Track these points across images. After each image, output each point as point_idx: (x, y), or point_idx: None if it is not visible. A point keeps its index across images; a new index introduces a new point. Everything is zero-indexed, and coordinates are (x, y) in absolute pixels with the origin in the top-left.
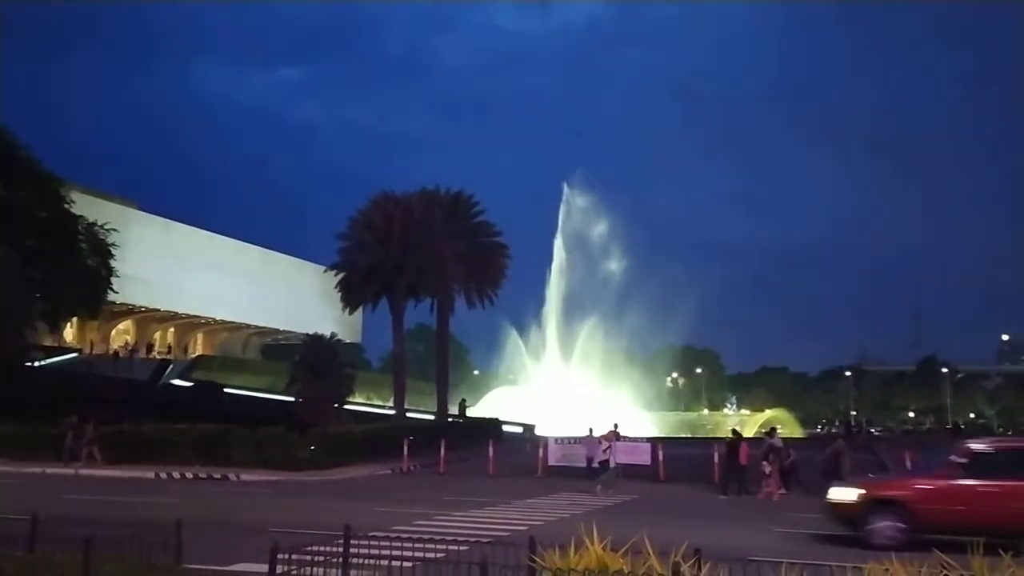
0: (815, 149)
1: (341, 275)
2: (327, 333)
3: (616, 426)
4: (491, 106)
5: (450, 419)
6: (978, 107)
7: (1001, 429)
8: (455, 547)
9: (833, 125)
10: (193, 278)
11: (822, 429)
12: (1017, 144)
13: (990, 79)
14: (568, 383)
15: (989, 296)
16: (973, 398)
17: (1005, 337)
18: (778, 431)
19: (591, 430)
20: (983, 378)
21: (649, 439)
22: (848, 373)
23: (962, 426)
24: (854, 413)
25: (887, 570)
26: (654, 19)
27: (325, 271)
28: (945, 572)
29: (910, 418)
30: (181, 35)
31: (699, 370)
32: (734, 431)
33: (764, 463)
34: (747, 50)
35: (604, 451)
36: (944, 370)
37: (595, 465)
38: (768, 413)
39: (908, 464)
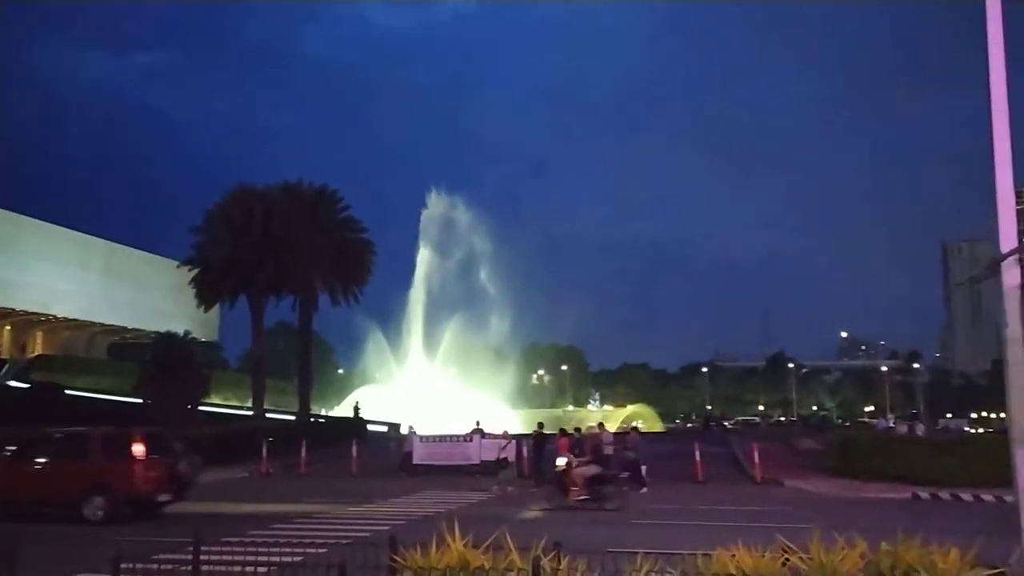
0: (680, 152)
1: (196, 271)
2: (180, 331)
3: (478, 423)
4: (359, 101)
5: (312, 419)
6: (831, 119)
7: (840, 420)
8: (313, 550)
9: (699, 129)
10: (30, 273)
11: (689, 423)
12: (863, 154)
13: (843, 93)
14: (433, 382)
15: (831, 296)
16: (816, 391)
17: (844, 334)
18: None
19: (478, 423)
20: (825, 372)
21: (513, 436)
22: (704, 369)
23: (795, 418)
24: (709, 408)
25: (733, 556)
26: (529, 20)
27: (179, 266)
28: (786, 556)
29: (760, 411)
30: (26, 14)
31: (564, 367)
32: (540, 425)
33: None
34: (621, 54)
35: (503, 448)
36: (791, 365)
37: (476, 462)
38: (630, 409)
39: (756, 456)
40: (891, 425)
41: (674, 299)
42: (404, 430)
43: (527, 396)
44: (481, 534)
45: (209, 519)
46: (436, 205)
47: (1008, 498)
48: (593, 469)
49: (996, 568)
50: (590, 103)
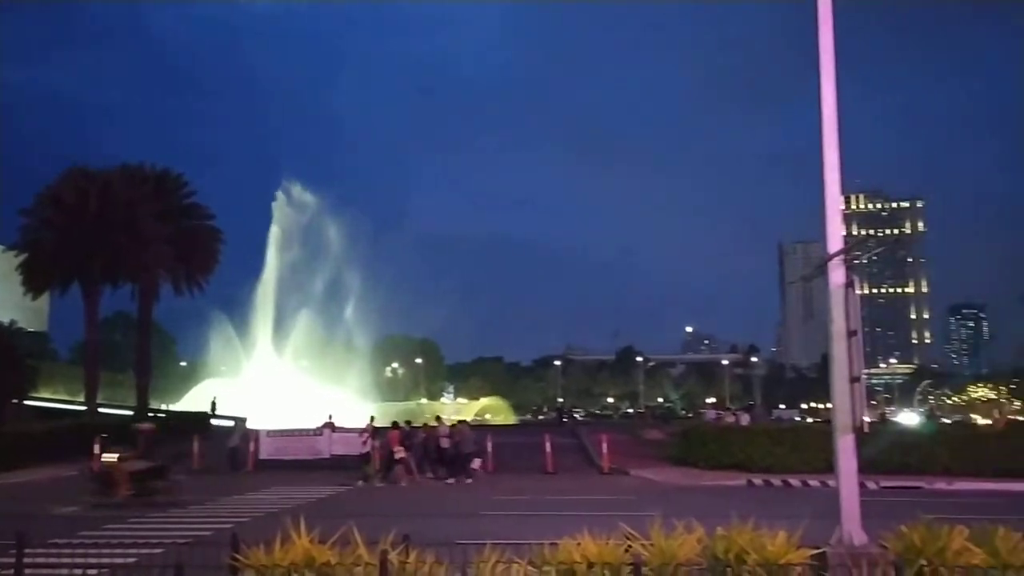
0: (541, 148)
1: (23, 256)
2: (5, 320)
3: (331, 417)
4: (212, 85)
5: (152, 413)
6: (689, 121)
7: (683, 411)
8: (148, 551)
9: (559, 127)
10: None
11: (541, 415)
12: (714, 157)
13: (701, 97)
14: (283, 375)
15: (679, 292)
16: (662, 384)
17: (689, 329)
18: (442, 420)
19: (330, 417)
20: (670, 366)
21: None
22: (558, 362)
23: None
24: (561, 400)
25: (579, 544)
26: (395, 7)
27: (4, 251)
28: (629, 543)
29: (609, 403)
30: None
31: (419, 360)
32: (371, 418)
33: (398, 448)
34: (486, 49)
35: (364, 443)
36: (639, 359)
37: (326, 456)
38: (484, 401)
39: (604, 446)
40: (718, 415)
41: (530, 293)
42: (251, 424)
43: (381, 389)
44: (330, 529)
45: (34, 520)
46: (290, 193)
47: (831, 483)
48: (139, 464)
49: (818, 548)
50: (453, 95)
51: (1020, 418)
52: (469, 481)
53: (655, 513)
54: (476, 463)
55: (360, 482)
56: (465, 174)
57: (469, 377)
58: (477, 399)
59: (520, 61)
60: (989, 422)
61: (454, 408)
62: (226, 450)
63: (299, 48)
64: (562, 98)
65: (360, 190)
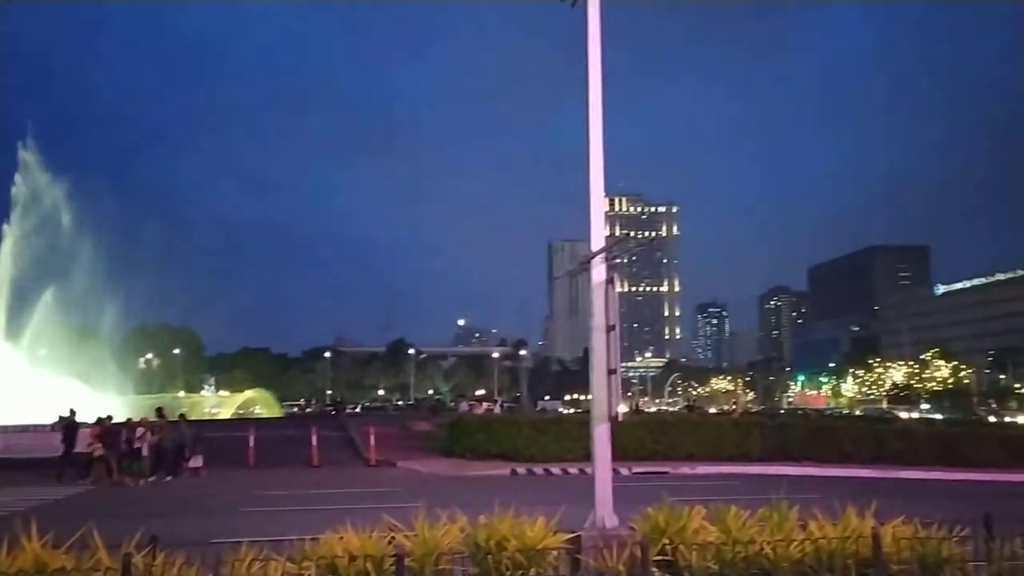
0: (318, 135)
1: None
2: None
3: (73, 412)
4: None
5: None
6: (473, 116)
7: (453, 404)
8: None
9: (339, 113)
10: None
11: (308, 408)
12: (496, 154)
13: (485, 93)
14: (18, 365)
15: (452, 286)
16: (432, 376)
17: (461, 322)
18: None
19: (72, 412)
20: (441, 358)
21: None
22: (327, 354)
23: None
24: (330, 392)
25: (341, 538)
26: None
27: None
28: (393, 535)
29: (380, 395)
30: None
31: (176, 351)
32: (72, 412)
33: (96, 445)
34: (264, 25)
35: (139, 438)
36: (411, 351)
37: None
38: (248, 394)
39: (372, 439)
40: (470, 405)
41: (301, 283)
42: None
43: (134, 381)
44: (68, 533)
45: None
46: (30, 165)
47: (589, 470)
48: None
49: (574, 532)
50: (228, 73)
51: (753, 408)
52: (169, 479)
53: (420, 504)
54: (197, 461)
55: (142, 481)
56: (235, 156)
57: (232, 369)
58: (241, 391)
59: (304, 45)
60: (726, 409)
61: (215, 401)
62: None
63: (58, 17)
64: (345, 87)
65: (113, 164)
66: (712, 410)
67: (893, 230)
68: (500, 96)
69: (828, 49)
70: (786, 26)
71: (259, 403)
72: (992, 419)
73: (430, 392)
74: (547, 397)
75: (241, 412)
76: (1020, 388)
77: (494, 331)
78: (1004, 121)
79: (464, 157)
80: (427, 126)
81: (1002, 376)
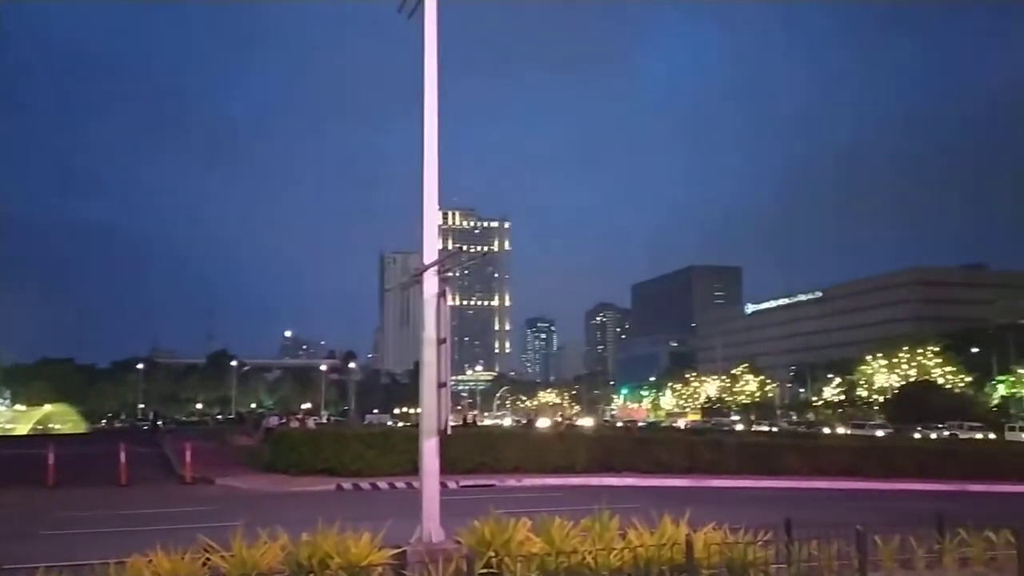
0: (146, 137)
1: None
2: None
3: None
4: None
5: None
6: (301, 124)
7: (278, 416)
8: None
9: (167, 116)
10: None
11: (118, 422)
12: (324, 166)
13: (317, 108)
14: None
15: (280, 297)
16: (256, 389)
17: (288, 333)
18: None
19: None
20: (266, 371)
21: None
22: (141, 366)
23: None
24: (143, 406)
25: (150, 561)
26: None
27: None
28: (208, 556)
29: (198, 409)
30: None
31: None
32: None
33: None
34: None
35: None
36: (233, 363)
37: None
38: (46, 408)
39: (188, 455)
40: (281, 420)
41: (118, 292)
42: None
43: None
44: None
45: None
46: None
47: (416, 484)
48: None
49: (400, 547)
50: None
51: (578, 421)
52: None
53: (238, 523)
54: None
55: None
56: (48, 157)
57: (31, 381)
58: (40, 405)
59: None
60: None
61: (9, 416)
62: None
63: None
64: (174, 90)
65: None
66: (544, 422)
67: (711, 251)
68: (339, 103)
69: (662, 75)
70: (623, 51)
71: (60, 417)
72: (842, 430)
73: (252, 406)
74: (376, 411)
75: (40, 428)
76: (817, 401)
77: (322, 343)
78: (811, 154)
79: (298, 164)
80: (263, 132)
81: (802, 390)
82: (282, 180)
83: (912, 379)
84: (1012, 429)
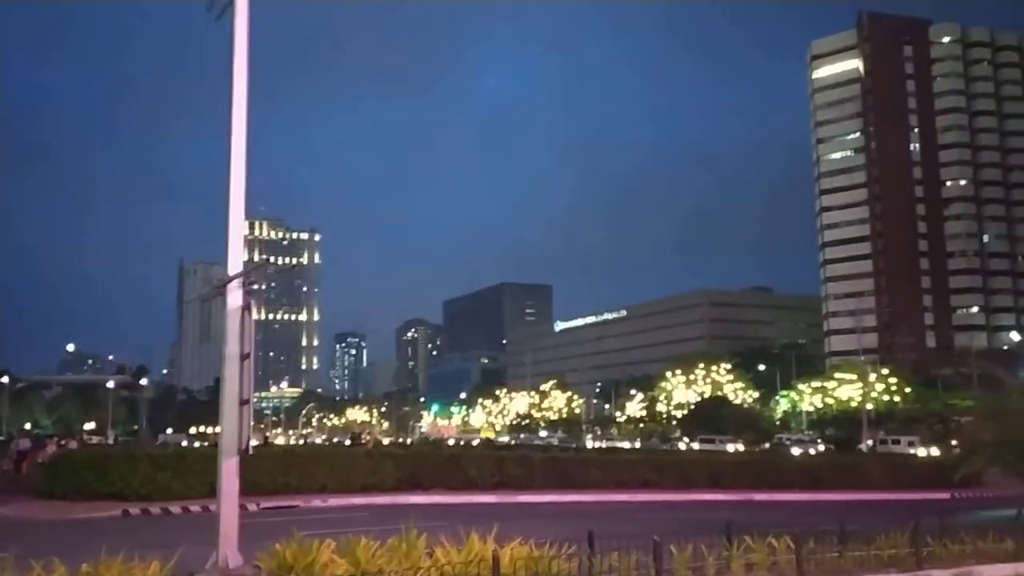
0: None
1: None
2: None
3: None
4: None
5: None
6: (109, 134)
7: (56, 437)
8: None
9: None
10: None
11: None
12: (122, 171)
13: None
14: None
15: (62, 309)
16: (32, 408)
17: (71, 347)
18: None
19: None
20: (45, 387)
21: None
22: None
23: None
24: None
25: None
26: None
27: None
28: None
29: None
30: None
31: None
32: None
33: None
34: None
35: None
36: (4, 380)
37: None
38: None
39: None
40: (33, 444)
41: None
42: None
43: None
44: None
45: None
46: None
47: (213, 507)
48: None
49: (192, 573)
50: None
51: (387, 439)
52: None
53: (6, 554)
54: None
55: None
56: None
57: None
58: None
59: None
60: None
61: None
62: None
63: None
64: None
65: None
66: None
67: (524, 269)
68: (143, 106)
69: (485, 94)
70: (449, 68)
71: None
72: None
73: (27, 426)
74: (170, 430)
75: None
76: (620, 417)
77: (110, 358)
78: (619, 177)
79: (100, 172)
80: (66, 140)
81: (607, 406)
82: (82, 189)
83: (707, 395)
84: (781, 443)
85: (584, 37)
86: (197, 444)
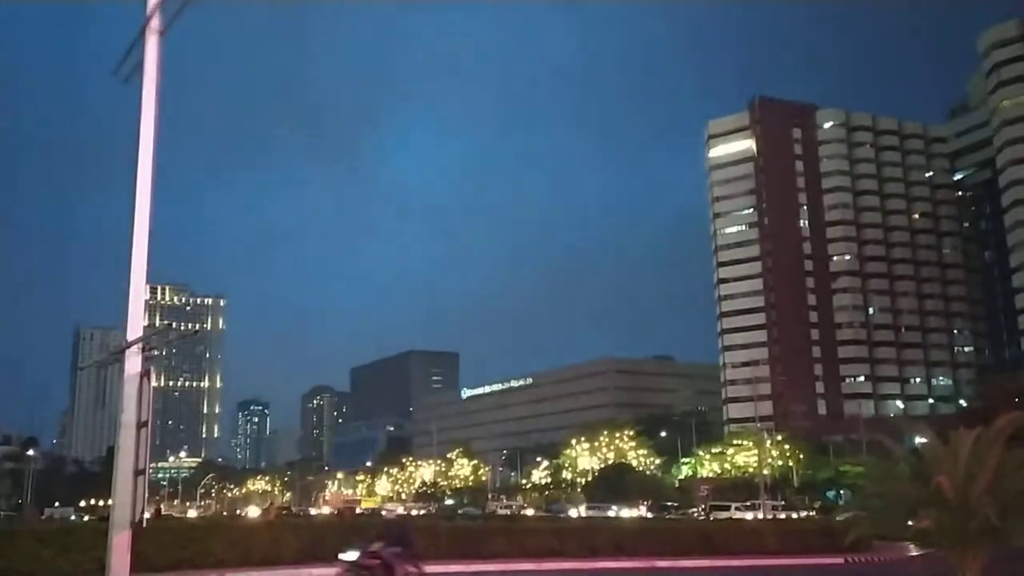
0: None
1: None
2: None
3: None
4: None
5: None
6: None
7: None
8: None
9: None
10: None
11: None
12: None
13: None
14: None
15: None
16: None
17: None
18: None
19: None
20: None
21: None
22: None
23: None
24: None
25: None
26: None
27: None
28: None
29: None
30: None
31: None
32: None
33: None
34: None
35: None
36: None
37: None
38: None
39: None
40: None
41: None
42: None
43: None
44: None
45: None
46: None
47: None
48: None
49: None
50: None
51: (290, 509)
52: None
53: None
54: None
55: None
56: None
57: None
58: None
59: None
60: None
61: None
62: None
63: None
64: None
65: None
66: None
67: (430, 336)
68: (40, 166)
69: (390, 166)
70: (368, 141)
71: None
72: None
73: None
74: (57, 503)
75: None
76: (526, 484)
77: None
78: (528, 250)
79: None
80: None
81: (513, 473)
82: None
83: (610, 461)
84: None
85: (490, 123)
86: (87, 518)
